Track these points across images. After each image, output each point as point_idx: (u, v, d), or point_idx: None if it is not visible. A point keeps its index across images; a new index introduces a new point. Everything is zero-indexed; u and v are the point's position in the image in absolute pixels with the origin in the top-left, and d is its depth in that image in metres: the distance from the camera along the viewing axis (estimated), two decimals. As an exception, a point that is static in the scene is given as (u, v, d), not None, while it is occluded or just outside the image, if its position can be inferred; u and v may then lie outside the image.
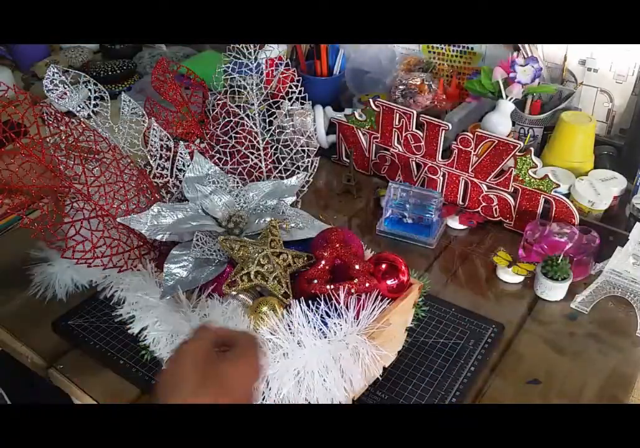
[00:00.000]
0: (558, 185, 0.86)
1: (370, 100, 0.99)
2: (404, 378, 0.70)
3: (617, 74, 1.00)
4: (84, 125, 0.68)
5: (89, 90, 0.77)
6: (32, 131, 0.61)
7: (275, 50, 1.15)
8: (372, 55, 1.22)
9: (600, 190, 0.88)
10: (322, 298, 0.60)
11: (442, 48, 1.18)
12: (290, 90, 0.85)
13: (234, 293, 0.63)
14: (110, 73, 1.28)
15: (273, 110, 0.89)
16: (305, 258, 0.66)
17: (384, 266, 0.65)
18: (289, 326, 0.58)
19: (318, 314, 0.59)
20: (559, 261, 0.79)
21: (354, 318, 0.59)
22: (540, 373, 0.71)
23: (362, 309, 0.60)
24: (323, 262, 0.64)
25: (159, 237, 0.68)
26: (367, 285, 0.62)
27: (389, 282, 0.64)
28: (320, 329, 0.58)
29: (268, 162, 0.84)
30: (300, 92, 0.85)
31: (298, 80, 0.85)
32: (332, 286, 0.61)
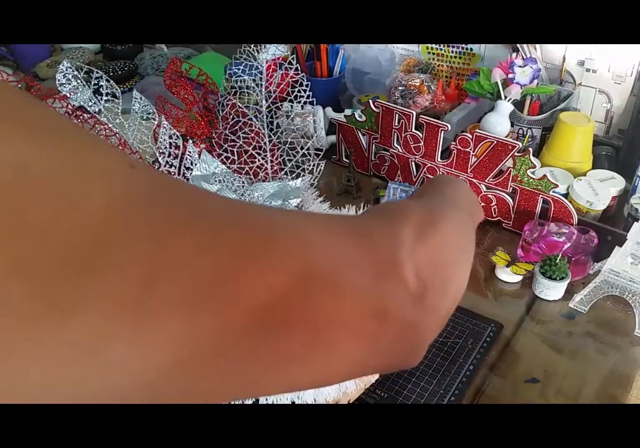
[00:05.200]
0: (556, 186, 0.86)
1: (370, 101, 0.99)
2: (403, 377, 0.70)
3: (616, 75, 1.00)
4: (95, 119, 0.69)
5: (101, 86, 0.78)
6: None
7: (284, 51, 1.16)
8: (372, 56, 1.22)
9: (599, 190, 0.88)
10: None
11: (441, 49, 1.18)
12: (298, 94, 0.86)
13: None
14: (111, 74, 1.29)
15: (281, 111, 0.90)
16: None
17: None
18: None
19: None
20: (558, 261, 0.79)
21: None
22: (539, 372, 0.72)
23: None
24: None
25: None
26: None
27: None
28: None
29: (274, 163, 0.85)
30: (309, 97, 0.86)
31: (307, 85, 0.86)
32: None
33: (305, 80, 0.87)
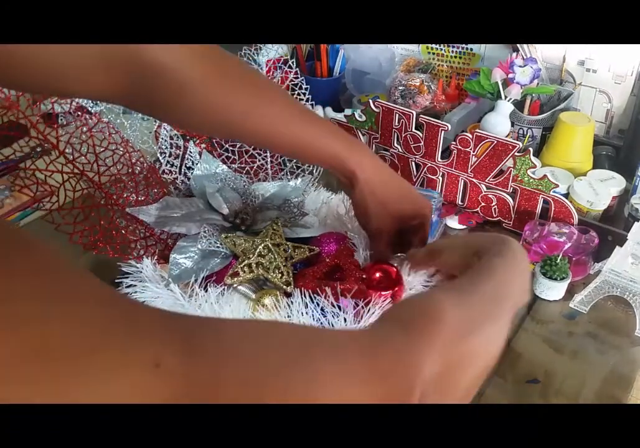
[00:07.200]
0: (557, 185, 0.86)
1: (370, 101, 0.99)
2: (403, 378, 0.70)
3: (616, 75, 1.00)
4: (98, 117, 0.69)
5: None
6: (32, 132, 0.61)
7: (284, 51, 1.17)
8: (372, 56, 1.22)
9: (599, 190, 0.88)
10: (324, 294, 0.61)
11: (441, 49, 1.18)
12: (298, 97, 0.86)
13: (235, 285, 0.64)
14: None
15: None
16: (307, 250, 0.67)
17: (377, 275, 0.66)
18: (288, 316, 0.59)
19: (319, 306, 0.60)
20: (558, 261, 0.79)
21: (353, 316, 0.60)
22: (540, 373, 0.71)
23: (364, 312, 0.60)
24: (327, 260, 0.66)
25: (166, 228, 0.69)
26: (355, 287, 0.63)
27: (383, 292, 0.64)
28: (319, 319, 0.59)
29: (274, 164, 0.85)
30: (308, 100, 0.86)
31: (306, 88, 0.86)
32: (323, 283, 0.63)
33: (304, 83, 0.87)
